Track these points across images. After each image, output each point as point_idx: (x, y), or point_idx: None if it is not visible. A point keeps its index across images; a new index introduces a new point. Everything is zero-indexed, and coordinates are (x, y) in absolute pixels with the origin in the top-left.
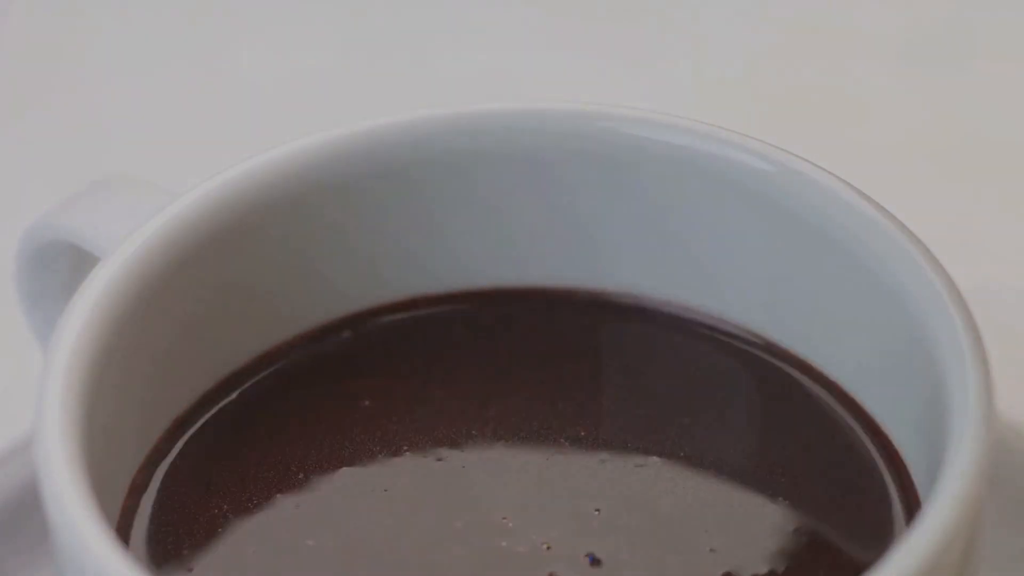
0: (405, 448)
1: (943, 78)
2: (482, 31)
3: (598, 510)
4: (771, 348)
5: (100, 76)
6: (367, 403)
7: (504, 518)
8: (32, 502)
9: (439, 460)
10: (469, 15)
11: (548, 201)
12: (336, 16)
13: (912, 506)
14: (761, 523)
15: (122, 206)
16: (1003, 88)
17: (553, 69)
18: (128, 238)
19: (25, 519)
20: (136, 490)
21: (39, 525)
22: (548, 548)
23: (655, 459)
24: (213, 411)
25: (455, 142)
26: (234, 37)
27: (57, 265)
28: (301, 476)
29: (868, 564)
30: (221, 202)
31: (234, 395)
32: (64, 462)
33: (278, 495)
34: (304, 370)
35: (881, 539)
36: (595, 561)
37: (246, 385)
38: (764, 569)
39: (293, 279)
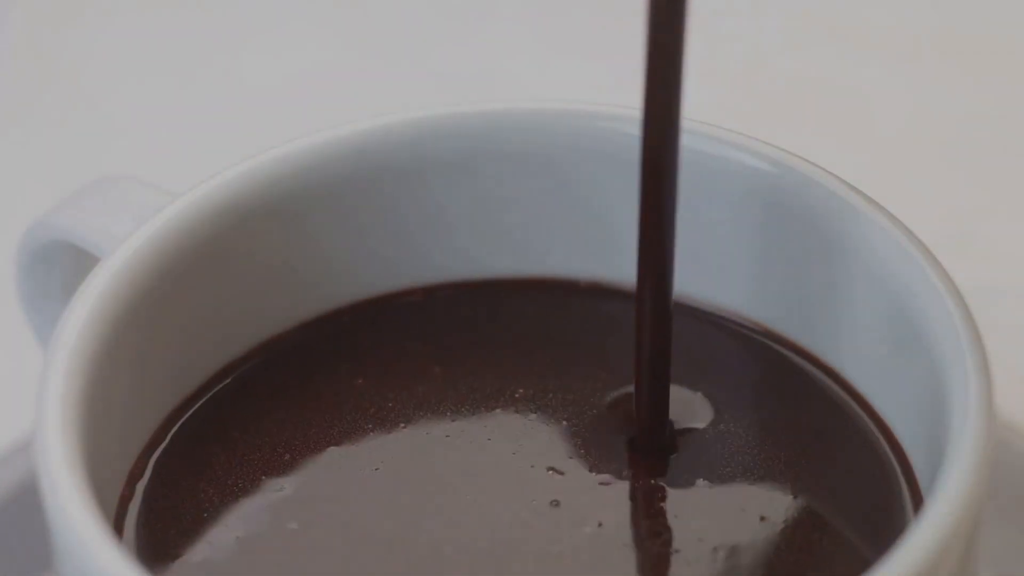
0: (400, 425)
1: (943, 78)
2: (483, 31)
3: (592, 495)
4: (775, 337)
5: (100, 76)
6: (360, 381)
7: (497, 496)
8: (32, 502)
9: (432, 437)
10: (470, 15)
11: (549, 198)
12: (336, 16)
13: (917, 502)
14: (763, 511)
15: (122, 206)
16: (1004, 88)
17: (553, 69)
18: (128, 238)
19: (25, 519)
20: (133, 479)
21: (39, 525)
22: (544, 525)
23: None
24: (209, 395)
25: (458, 140)
26: (234, 37)
27: (57, 265)
28: (288, 457)
29: (874, 555)
30: (221, 202)
31: (229, 379)
32: (64, 461)
33: (264, 477)
34: (300, 352)
35: (888, 532)
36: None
37: (242, 369)
38: (766, 557)
39: (293, 277)
